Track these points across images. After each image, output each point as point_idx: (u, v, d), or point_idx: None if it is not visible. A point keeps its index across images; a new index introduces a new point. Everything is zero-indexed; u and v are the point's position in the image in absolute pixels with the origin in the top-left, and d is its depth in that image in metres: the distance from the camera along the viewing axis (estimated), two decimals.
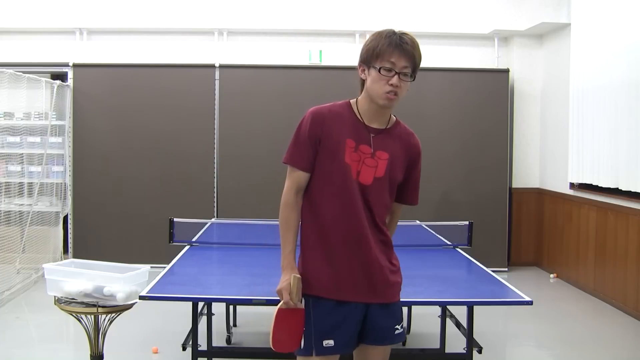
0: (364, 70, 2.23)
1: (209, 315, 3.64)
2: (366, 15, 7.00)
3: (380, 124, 2.26)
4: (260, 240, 4.25)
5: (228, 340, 4.41)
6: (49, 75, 6.90)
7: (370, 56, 2.18)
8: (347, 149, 2.21)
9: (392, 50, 2.14)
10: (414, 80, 2.23)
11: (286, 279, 2.21)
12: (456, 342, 3.75)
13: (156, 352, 4.21)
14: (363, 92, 2.26)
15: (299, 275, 2.20)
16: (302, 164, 2.23)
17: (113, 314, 3.12)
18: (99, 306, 3.04)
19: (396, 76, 2.15)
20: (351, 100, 2.29)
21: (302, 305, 2.22)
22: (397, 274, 2.31)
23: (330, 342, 2.19)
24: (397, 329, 2.30)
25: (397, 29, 2.21)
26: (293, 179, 2.25)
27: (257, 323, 4.87)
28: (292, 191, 2.25)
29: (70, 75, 6.80)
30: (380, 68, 2.15)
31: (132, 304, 3.09)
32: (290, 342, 2.22)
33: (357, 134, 2.23)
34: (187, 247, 3.97)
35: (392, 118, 2.31)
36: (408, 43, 2.16)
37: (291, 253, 2.24)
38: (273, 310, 2.24)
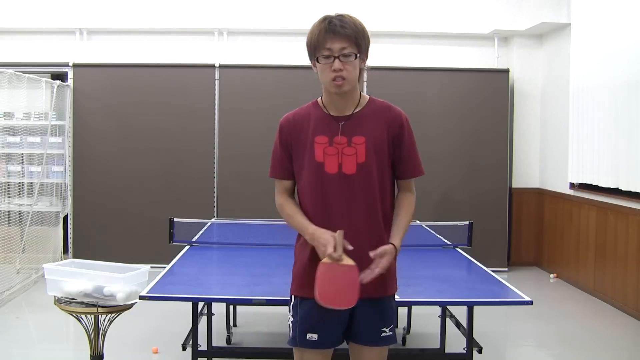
0: (314, 65, 2.22)
1: (209, 315, 3.63)
2: (366, 15, 6.93)
3: (348, 109, 2.24)
4: (260, 240, 4.26)
5: (228, 340, 4.41)
6: (49, 75, 6.91)
7: (310, 51, 2.20)
8: (318, 146, 2.21)
9: (324, 37, 2.13)
10: (363, 57, 2.18)
11: (328, 236, 2.11)
12: (456, 342, 3.74)
13: (156, 352, 4.21)
14: (323, 87, 2.26)
15: (340, 230, 2.12)
16: (283, 174, 2.31)
17: (113, 314, 3.12)
18: (99, 306, 3.04)
19: (336, 60, 2.12)
20: (319, 97, 2.30)
21: (351, 261, 2.11)
22: (390, 269, 2.21)
23: (314, 336, 2.22)
24: (385, 331, 2.25)
25: (332, 12, 2.17)
26: (279, 187, 2.34)
27: (257, 323, 4.87)
28: (282, 195, 2.34)
29: (70, 75, 6.80)
30: (318, 58, 2.16)
31: (132, 304, 3.09)
32: (340, 296, 2.10)
33: (326, 128, 2.23)
34: (187, 247, 3.97)
35: (363, 99, 2.27)
36: (337, 24, 2.13)
37: (311, 226, 2.19)
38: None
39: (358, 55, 2.16)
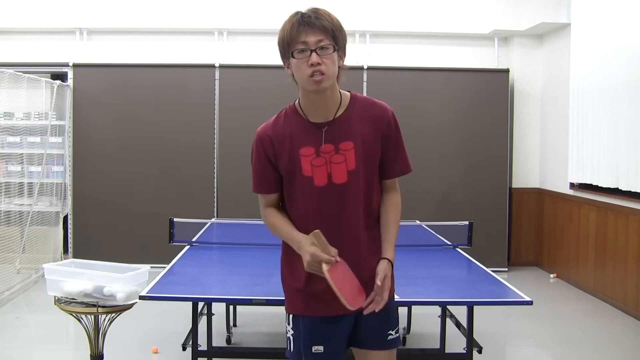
0: (288, 66, 2.06)
1: (209, 315, 3.63)
2: (366, 15, 7.00)
3: (329, 113, 2.09)
4: (260, 240, 4.25)
5: (228, 340, 4.41)
6: (49, 75, 6.91)
7: (284, 48, 2.04)
8: (304, 159, 2.07)
9: (298, 30, 1.98)
10: (341, 54, 2.05)
11: (309, 247, 2.00)
12: (456, 342, 3.74)
13: (156, 352, 4.21)
14: (299, 89, 2.10)
15: (317, 231, 2.00)
16: (268, 189, 2.17)
17: (113, 314, 3.12)
18: (99, 306, 3.04)
19: (313, 54, 1.97)
20: (295, 102, 2.15)
21: (338, 258, 2.01)
22: None
23: (320, 348, 2.13)
24: (391, 334, 2.19)
25: (303, 8, 2.04)
26: (264, 201, 2.21)
27: (257, 323, 4.87)
28: (266, 209, 2.21)
29: (70, 75, 6.80)
30: (293, 53, 1.99)
31: (132, 304, 3.09)
32: (360, 289, 2.07)
33: (310, 138, 2.07)
34: (187, 247, 3.97)
35: (344, 99, 2.12)
36: (312, 16, 1.98)
37: (298, 234, 2.07)
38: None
39: (336, 48, 2.01)
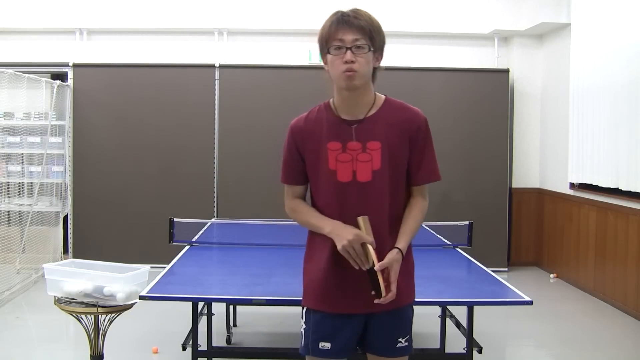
0: (325, 62, 2.11)
1: (209, 315, 3.63)
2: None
3: (361, 111, 2.13)
4: (260, 240, 4.25)
5: (228, 340, 4.41)
6: (49, 75, 6.91)
7: (322, 44, 2.08)
8: (330, 153, 2.11)
9: (336, 28, 2.03)
10: (377, 55, 2.09)
11: (351, 229, 2.02)
12: (456, 342, 3.74)
13: (156, 352, 4.21)
14: (334, 86, 2.14)
15: (365, 216, 2.04)
16: (295, 180, 2.23)
17: (113, 314, 3.12)
18: (99, 306, 3.04)
19: (348, 51, 2.01)
20: (330, 99, 2.19)
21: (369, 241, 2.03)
22: (403, 276, 2.12)
23: (327, 345, 2.15)
24: (400, 342, 2.17)
25: (345, 7, 2.09)
26: (290, 192, 2.26)
27: (257, 323, 4.87)
28: (293, 200, 2.25)
29: (70, 75, 6.80)
30: (329, 49, 2.05)
31: (132, 304, 3.09)
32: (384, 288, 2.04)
33: (339, 134, 2.12)
34: (187, 247, 3.97)
35: (378, 100, 2.16)
36: (351, 15, 2.03)
37: (329, 221, 2.10)
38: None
39: (372, 49, 2.05)
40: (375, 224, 2.08)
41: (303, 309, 2.23)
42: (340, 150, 2.11)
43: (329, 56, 2.07)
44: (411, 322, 2.25)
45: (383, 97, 2.18)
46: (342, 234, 2.03)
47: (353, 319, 2.15)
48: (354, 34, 2.02)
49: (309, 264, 2.24)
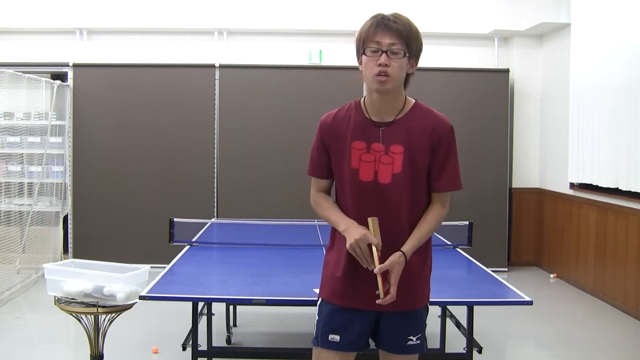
0: (360, 63, 2.14)
1: (209, 315, 3.63)
2: (366, 15, 6.97)
3: (389, 114, 2.15)
4: (260, 240, 4.26)
5: (228, 340, 4.41)
6: (49, 75, 6.90)
7: (359, 45, 2.12)
8: (354, 152, 2.14)
9: (375, 30, 2.07)
10: (413, 58, 2.10)
11: (360, 229, 2.07)
12: (456, 342, 3.75)
13: (156, 352, 4.21)
14: (366, 87, 2.17)
15: (375, 217, 2.08)
16: (321, 173, 2.27)
17: (113, 314, 3.12)
18: (99, 306, 3.04)
19: (383, 55, 2.04)
20: (361, 98, 2.22)
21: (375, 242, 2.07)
22: (419, 280, 2.20)
23: (336, 338, 2.18)
24: (411, 339, 2.20)
25: (385, 11, 2.13)
26: (316, 185, 2.30)
27: (257, 323, 4.87)
28: (317, 192, 2.30)
29: (70, 75, 6.80)
30: (365, 50, 2.08)
31: (132, 304, 3.09)
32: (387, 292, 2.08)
33: (365, 134, 2.15)
34: (187, 247, 3.97)
35: (407, 104, 2.18)
36: (391, 19, 2.07)
37: (347, 219, 2.14)
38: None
39: (407, 55, 2.06)
40: (394, 227, 2.12)
41: (319, 300, 2.27)
42: (364, 150, 2.15)
43: (364, 57, 2.09)
44: (424, 322, 2.28)
45: (413, 101, 2.21)
46: (352, 233, 2.07)
47: (363, 315, 2.17)
48: (391, 38, 2.05)
49: (328, 255, 2.28)
